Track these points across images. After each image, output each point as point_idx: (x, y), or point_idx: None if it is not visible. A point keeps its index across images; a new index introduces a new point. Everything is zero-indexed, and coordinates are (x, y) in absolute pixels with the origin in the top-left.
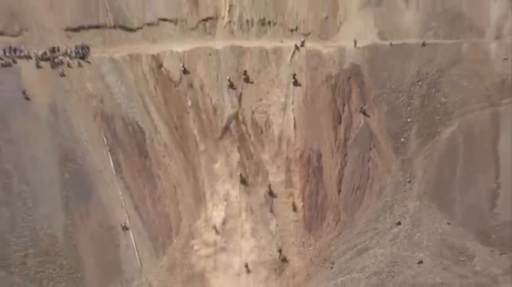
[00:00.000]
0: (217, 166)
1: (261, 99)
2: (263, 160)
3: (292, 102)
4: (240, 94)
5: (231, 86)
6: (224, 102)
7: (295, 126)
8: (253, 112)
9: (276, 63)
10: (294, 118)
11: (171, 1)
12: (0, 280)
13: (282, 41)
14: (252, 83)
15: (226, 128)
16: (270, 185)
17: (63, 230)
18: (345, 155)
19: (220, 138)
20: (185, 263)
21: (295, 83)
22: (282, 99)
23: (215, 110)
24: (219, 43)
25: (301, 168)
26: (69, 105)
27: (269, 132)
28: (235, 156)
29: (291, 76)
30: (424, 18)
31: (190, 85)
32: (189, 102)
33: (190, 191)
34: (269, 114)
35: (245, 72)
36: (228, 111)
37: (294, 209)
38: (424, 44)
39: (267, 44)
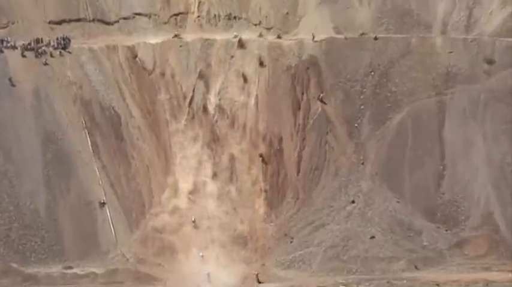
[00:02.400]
0: (186, 148)
1: (226, 87)
2: (229, 142)
3: (256, 90)
4: (208, 83)
5: (201, 76)
6: (193, 90)
7: (258, 112)
8: (220, 99)
9: (241, 54)
10: (257, 104)
11: None
12: None
13: (236, 36)
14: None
15: (195, 113)
16: (234, 164)
17: (45, 206)
18: (304, 139)
19: (190, 122)
20: (156, 236)
21: (261, 65)
22: (246, 88)
23: (185, 97)
24: (189, 36)
25: (263, 150)
26: (51, 91)
27: (234, 117)
28: (204, 139)
29: (255, 66)
30: (376, 14)
31: (163, 74)
32: (161, 90)
33: (162, 170)
34: (235, 101)
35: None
36: (197, 98)
37: (257, 187)
38: (376, 38)
39: (233, 36)
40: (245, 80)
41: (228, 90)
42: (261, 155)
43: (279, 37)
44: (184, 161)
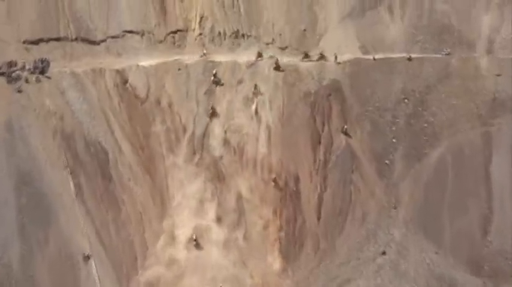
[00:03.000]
0: (187, 190)
1: (233, 118)
2: (236, 180)
3: (268, 121)
4: (212, 112)
5: (204, 105)
6: (194, 121)
7: (270, 147)
8: (225, 131)
9: (250, 78)
10: (270, 137)
11: (137, 12)
12: None
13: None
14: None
15: (197, 149)
16: (244, 212)
17: (19, 259)
18: (325, 178)
19: (190, 159)
20: None
21: (274, 91)
22: (257, 118)
23: (184, 129)
24: (189, 57)
25: (277, 192)
26: (27, 123)
27: (243, 153)
28: (207, 179)
29: (267, 92)
30: (409, 30)
31: (158, 102)
32: (157, 121)
33: (157, 216)
34: (243, 134)
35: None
36: (199, 130)
37: (270, 237)
38: (409, 59)
39: (241, 58)
40: (256, 108)
41: (236, 121)
42: (274, 197)
43: (295, 58)
44: (184, 202)
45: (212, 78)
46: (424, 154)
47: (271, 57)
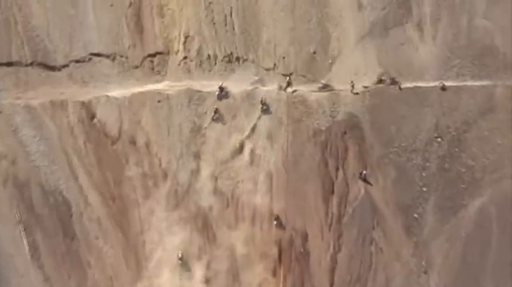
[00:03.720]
0: (168, 250)
1: (226, 161)
2: (231, 242)
3: (269, 165)
4: (199, 154)
5: (189, 145)
6: (178, 164)
7: (272, 198)
8: (216, 178)
9: (247, 112)
10: (271, 186)
11: (107, 30)
12: None
13: (256, 82)
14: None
15: (181, 200)
16: (238, 272)
17: None
18: (339, 236)
19: (173, 209)
20: None
21: (277, 128)
22: (255, 161)
23: (165, 175)
24: (172, 86)
25: (281, 253)
26: None
27: (238, 206)
28: (194, 237)
29: (268, 130)
30: (443, 53)
31: (133, 142)
32: (131, 164)
33: (131, 282)
34: (237, 181)
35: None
36: (183, 176)
37: None
38: (444, 88)
39: (235, 87)
40: (253, 150)
41: (229, 165)
42: (276, 259)
43: (302, 87)
44: (164, 260)
45: (206, 112)
46: (462, 206)
47: (280, 87)
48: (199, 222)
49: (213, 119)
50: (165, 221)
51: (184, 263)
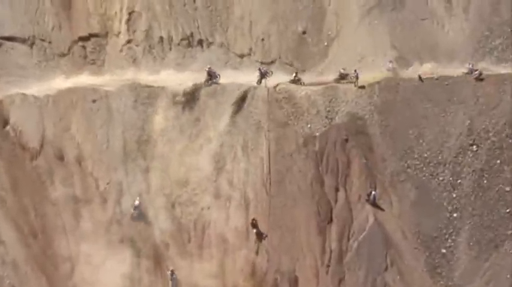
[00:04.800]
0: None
1: (186, 181)
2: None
3: (244, 185)
4: (148, 171)
5: (136, 160)
6: (120, 185)
7: (249, 231)
8: (173, 204)
9: (213, 114)
10: (248, 214)
11: (24, 7)
12: None
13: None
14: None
15: (126, 232)
16: None
17: None
18: (341, 281)
19: (115, 250)
20: None
21: (255, 136)
22: (225, 181)
23: (104, 201)
24: (111, 80)
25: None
26: None
27: (203, 240)
28: (144, 279)
29: (243, 136)
30: (479, 31)
31: (60, 157)
32: (58, 187)
33: None
34: (201, 208)
35: None
36: (127, 200)
37: None
38: (480, 78)
39: (198, 80)
40: (222, 165)
41: (189, 188)
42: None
43: (288, 79)
44: None
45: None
46: (507, 237)
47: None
48: (150, 260)
49: (167, 124)
50: (105, 260)
51: None
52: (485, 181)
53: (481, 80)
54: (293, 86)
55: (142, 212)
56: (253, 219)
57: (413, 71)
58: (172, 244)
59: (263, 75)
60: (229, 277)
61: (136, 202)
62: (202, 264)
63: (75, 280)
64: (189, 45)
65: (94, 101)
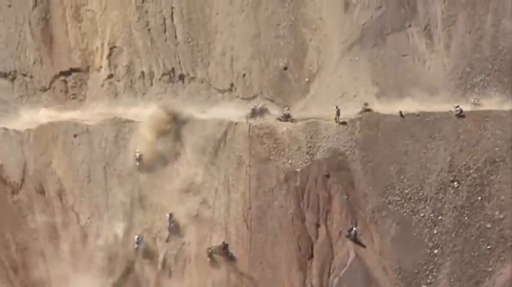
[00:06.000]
0: None
1: (167, 214)
2: None
3: (226, 223)
4: (131, 206)
5: (117, 195)
6: (102, 224)
7: (229, 265)
8: (154, 238)
9: (194, 149)
10: (228, 252)
11: (5, 40)
12: None
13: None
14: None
15: (105, 269)
16: None
17: None
18: None
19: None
20: None
21: (236, 172)
22: (207, 218)
23: (85, 236)
24: (92, 115)
25: None
26: None
27: (184, 276)
28: None
29: (224, 175)
30: (461, 67)
31: (41, 191)
32: (39, 221)
33: None
34: (183, 243)
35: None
36: (111, 241)
37: None
38: (461, 115)
39: (179, 114)
40: (204, 200)
41: (170, 227)
42: None
43: (269, 115)
44: None
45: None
46: (487, 273)
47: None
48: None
49: (148, 159)
50: None
51: None
52: (465, 218)
53: (462, 116)
54: (274, 122)
55: (146, 245)
56: (223, 243)
57: (394, 107)
58: (151, 281)
59: (259, 111)
60: None
61: (136, 237)
62: None
63: None
64: (171, 80)
65: (75, 135)
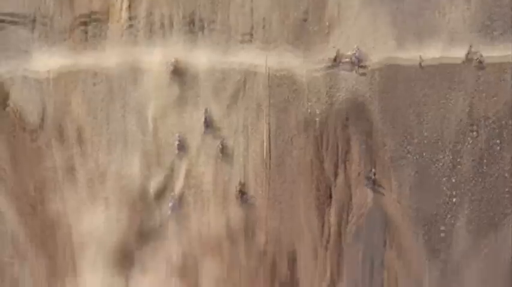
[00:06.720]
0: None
1: (192, 160)
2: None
3: (244, 168)
4: (149, 150)
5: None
6: (122, 166)
7: (248, 209)
8: (175, 183)
9: (214, 95)
10: (246, 194)
11: None
12: None
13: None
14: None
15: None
16: None
17: None
18: (339, 259)
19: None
20: None
21: (255, 118)
22: (226, 162)
23: (103, 179)
24: (112, 59)
25: (262, 281)
26: None
27: (202, 213)
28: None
29: (242, 119)
30: (481, 14)
31: (60, 136)
32: (59, 166)
33: None
34: (202, 191)
35: None
36: (134, 180)
37: None
38: (481, 61)
39: (199, 59)
40: (222, 149)
41: (193, 171)
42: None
43: (289, 62)
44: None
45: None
46: (504, 220)
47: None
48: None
49: (167, 104)
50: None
51: None
52: (484, 166)
53: (481, 63)
54: (295, 67)
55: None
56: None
57: (413, 59)
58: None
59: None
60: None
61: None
62: (207, 242)
63: (74, 244)
64: (190, 30)
65: (94, 84)
